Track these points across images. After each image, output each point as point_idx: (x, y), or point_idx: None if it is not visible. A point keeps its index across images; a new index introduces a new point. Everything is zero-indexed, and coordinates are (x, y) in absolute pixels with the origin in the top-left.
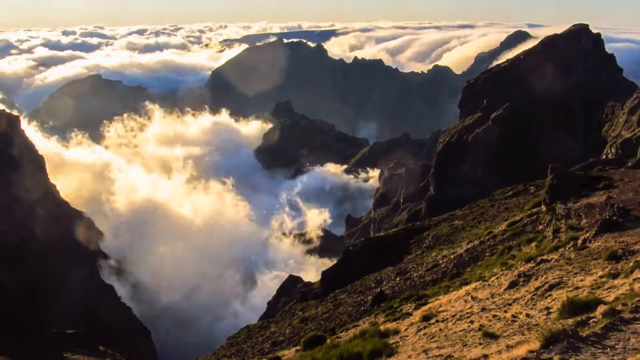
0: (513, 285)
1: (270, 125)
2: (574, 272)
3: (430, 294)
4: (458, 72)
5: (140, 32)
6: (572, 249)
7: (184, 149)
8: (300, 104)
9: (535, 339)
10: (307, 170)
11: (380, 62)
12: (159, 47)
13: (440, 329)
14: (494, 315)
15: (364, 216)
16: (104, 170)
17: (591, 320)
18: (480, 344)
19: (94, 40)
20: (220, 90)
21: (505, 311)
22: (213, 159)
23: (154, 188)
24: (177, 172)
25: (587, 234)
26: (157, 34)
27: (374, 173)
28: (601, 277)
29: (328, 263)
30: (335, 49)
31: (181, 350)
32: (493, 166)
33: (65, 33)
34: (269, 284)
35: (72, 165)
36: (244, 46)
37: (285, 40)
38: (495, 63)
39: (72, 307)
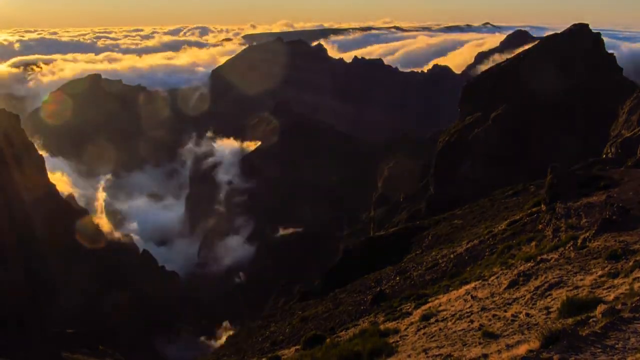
0: (513, 284)
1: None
2: (574, 271)
3: (430, 293)
4: (458, 72)
5: (140, 32)
6: (571, 248)
7: None
8: (300, 103)
9: (535, 338)
10: None
11: (380, 61)
12: (159, 47)
13: (440, 329)
14: (494, 315)
15: (364, 216)
16: None
17: (591, 320)
18: (480, 343)
19: (94, 41)
20: (220, 90)
21: (505, 310)
22: None
23: None
24: None
25: (587, 234)
26: (156, 33)
27: None
28: (601, 276)
29: None
30: (335, 48)
31: None
32: (493, 166)
33: (65, 33)
34: None
35: None
36: (244, 46)
37: (285, 40)
38: (495, 63)
39: (72, 307)
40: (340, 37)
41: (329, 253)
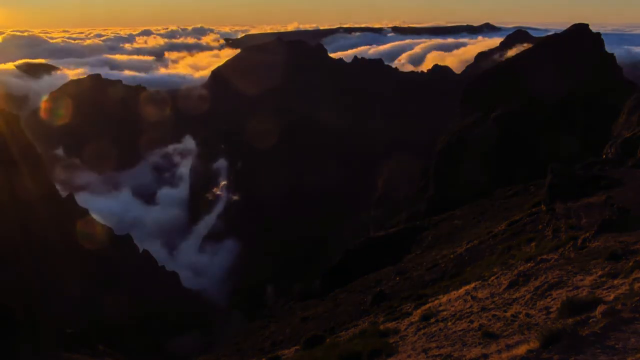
0: (513, 284)
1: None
2: (574, 271)
3: (430, 293)
4: (458, 72)
5: (140, 32)
6: (571, 248)
7: None
8: (300, 103)
9: (535, 338)
10: None
11: (380, 61)
12: (158, 47)
13: (440, 329)
14: (494, 315)
15: (364, 216)
16: None
17: (591, 320)
18: (480, 343)
19: (94, 41)
20: (220, 90)
21: (505, 311)
22: None
23: None
24: None
25: (587, 234)
26: (157, 33)
27: None
28: (601, 276)
29: None
30: (335, 48)
31: None
32: (493, 166)
33: (65, 34)
34: None
35: None
36: (244, 46)
37: (284, 40)
38: (495, 63)
39: (72, 307)
40: (340, 37)
41: (329, 253)
